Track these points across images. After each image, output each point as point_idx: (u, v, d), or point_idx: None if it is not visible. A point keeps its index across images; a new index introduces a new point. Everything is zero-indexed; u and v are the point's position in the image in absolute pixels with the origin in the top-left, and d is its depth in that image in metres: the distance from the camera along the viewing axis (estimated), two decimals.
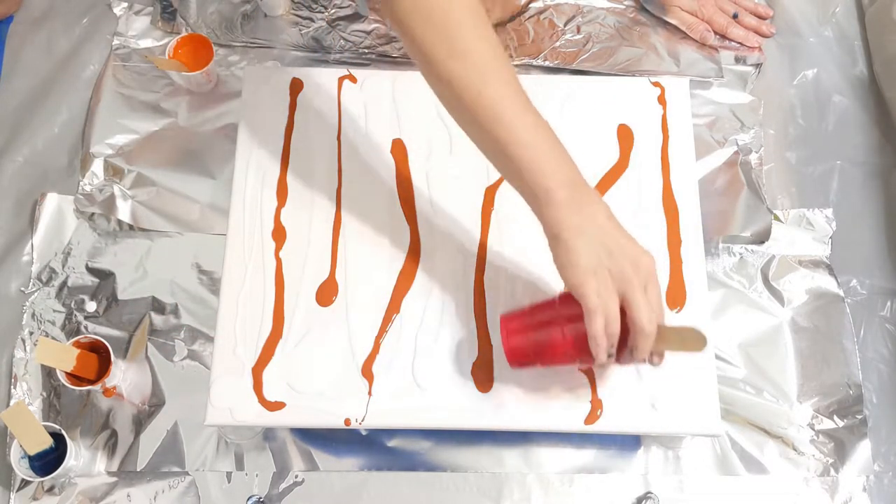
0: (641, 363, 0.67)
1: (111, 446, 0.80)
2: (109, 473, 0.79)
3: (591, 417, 0.73)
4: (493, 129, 0.64)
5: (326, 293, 0.77)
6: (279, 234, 0.79)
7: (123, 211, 0.88)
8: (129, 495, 0.79)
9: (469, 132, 0.67)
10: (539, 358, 0.69)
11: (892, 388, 0.85)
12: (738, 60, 0.98)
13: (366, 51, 0.96)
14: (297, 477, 0.79)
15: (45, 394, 0.82)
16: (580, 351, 0.66)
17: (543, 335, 0.68)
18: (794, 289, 0.88)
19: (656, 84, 0.87)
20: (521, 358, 0.70)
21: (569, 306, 0.66)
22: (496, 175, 0.82)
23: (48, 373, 0.82)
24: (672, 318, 0.77)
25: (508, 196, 0.81)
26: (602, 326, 0.63)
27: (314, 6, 0.98)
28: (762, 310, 0.87)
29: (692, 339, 0.66)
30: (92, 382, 0.78)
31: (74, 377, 0.77)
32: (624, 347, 0.65)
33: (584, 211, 0.64)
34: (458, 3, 0.64)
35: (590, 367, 0.73)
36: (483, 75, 0.64)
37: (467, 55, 0.63)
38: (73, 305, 0.84)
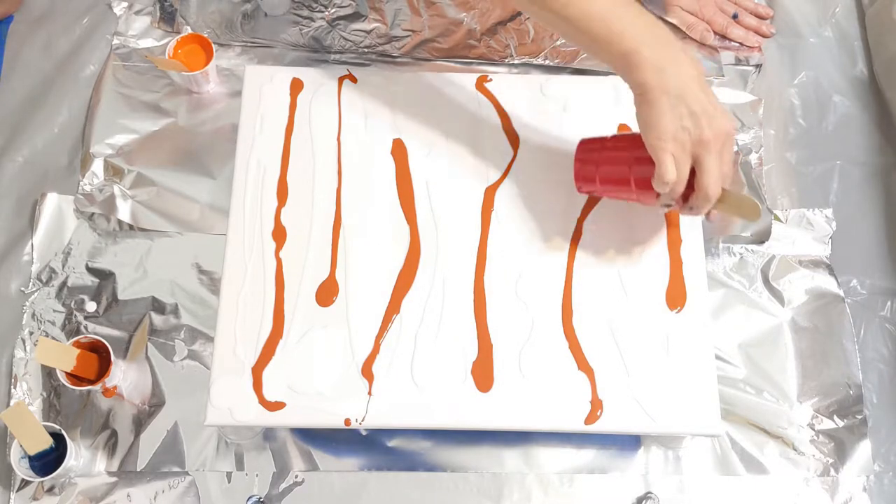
0: (696, 216, 0.72)
1: (111, 446, 0.80)
2: (109, 473, 0.79)
3: (591, 417, 0.73)
4: (566, 12, 0.67)
5: (326, 293, 0.77)
6: (279, 234, 0.79)
7: (123, 211, 0.88)
8: (129, 495, 0.79)
9: (543, 19, 0.69)
10: (603, 188, 0.73)
11: (892, 388, 0.85)
12: (738, 60, 0.98)
13: (366, 50, 0.96)
14: (297, 477, 0.79)
15: (45, 394, 0.82)
16: (641, 194, 0.71)
17: (611, 169, 0.72)
18: (794, 289, 0.88)
19: None
20: (584, 182, 0.74)
21: (643, 148, 0.68)
22: (496, 175, 0.82)
23: (48, 373, 0.82)
24: (673, 319, 0.77)
25: (508, 196, 0.81)
26: (668, 187, 0.67)
27: (314, 6, 0.98)
28: (762, 310, 0.87)
29: (749, 208, 0.68)
30: (92, 382, 0.78)
31: (74, 377, 0.77)
32: (685, 200, 0.69)
33: (668, 70, 0.64)
34: None
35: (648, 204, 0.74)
36: None
37: None
38: (73, 305, 0.84)
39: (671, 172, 0.66)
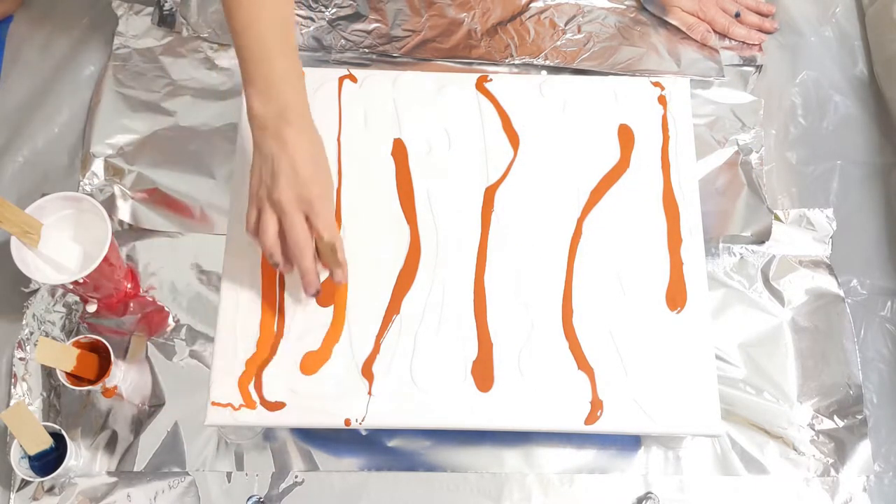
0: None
1: (111, 446, 0.80)
2: (109, 473, 0.79)
3: (591, 417, 0.73)
4: (238, 37, 0.68)
5: (326, 293, 0.77)
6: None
7: (123, 211, 0.88)
8: (129, 495, 0.79)
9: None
10: None
11: (892, 388, 0.85)
12: (739, 60, 0.98)
13: (366, 50, 0.96)
14: (297, 477, 0.79)
15: (45, 394, 0.82)
16: None
17: None
18: (794, 289, 0.88)
19: (657, 84, 0.87)
20: None
21: None
22: (496, 175, 0.82)
23: (48, 373, 0.82)
24: (673, 319, 0.77)
25: (508, 196, 0.81)
26: (252, 238, 0.71)
27: (314, 6, 0.98)
28: (762, 310, 0.87)
29: (328, 253, 0.72)
30: (92, 382, 0.78)
31: (74, 377, 0.77)
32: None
33: (268, 130, 0.68)
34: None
35: None
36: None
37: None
38: (73, 305, 0.84)
39: (249, 223, 0.70)
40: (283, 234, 0.69)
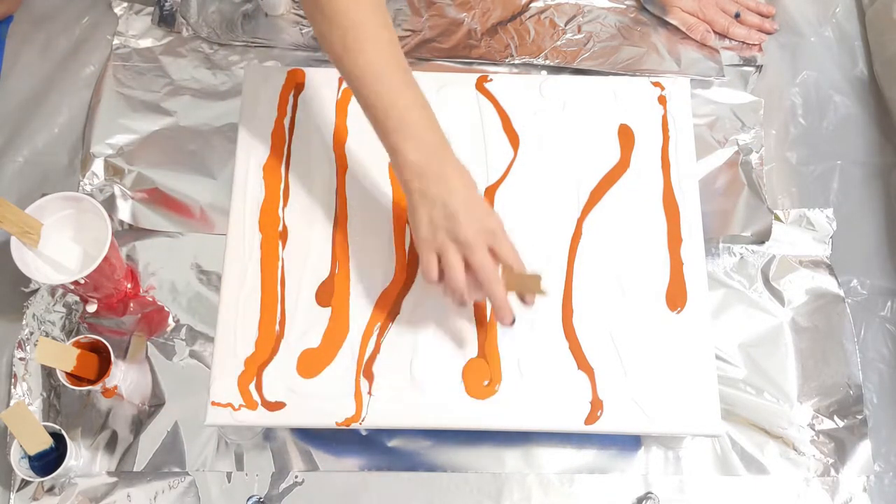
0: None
1: (111, 446, 0.80)
2: (109, 473, 0.79)
3: (591, 417, 0.73)
4: (363, 91, 0.68)
5: (326, 293, 0.77)
6: (279, 234, 0.79)
7: (123, 211, 0.88)
8: (129, 495, 0.79)
9: (350, 87, 0.70)
10: None
11: (892, 388, 0.85)
12: (739, 60, 0.98)
13: None
14: (297, 477, 0.79)
15: (45, 394, 0.82)
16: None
17: None
18: (794, 289, 0.88)
19: (657, 84, 0.87)
20: None
21: None
22: (496, 175, 0.82)
23: (48, 373, 0.82)
24: (673, 319, 0.77)
25: (508, 196, 0.81)
26: (441, 289, 0.69)
27: None
28: (762, 310, 0.87)
29: (531, 284, 0.70)
30: (92, 382, 0.78)
31: (74, 377, 0.77)
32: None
33: (428, 175, 0.67)
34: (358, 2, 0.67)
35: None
36: (353, 37, 0.67)
37: (340, 19, 0.67)
38: (73, 305, 0.84)
39: (432, 271, 0.68)
40: (467, 271, 0.68)
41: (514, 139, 0.84)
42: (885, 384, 0.85)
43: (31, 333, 0.83)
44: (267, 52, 0.96)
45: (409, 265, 0.78)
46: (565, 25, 0.98)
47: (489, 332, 0.76)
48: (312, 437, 0.80)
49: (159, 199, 0.89)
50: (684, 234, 0.80)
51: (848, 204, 0.92)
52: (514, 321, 0.70)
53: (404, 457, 0.80)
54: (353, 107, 0.85)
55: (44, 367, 0.82)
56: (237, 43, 0.96)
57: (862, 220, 0.92)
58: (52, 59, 0.96)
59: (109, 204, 0.88)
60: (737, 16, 0.99)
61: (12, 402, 0.80)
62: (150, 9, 0.98)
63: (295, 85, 0.86)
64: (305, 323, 0.76)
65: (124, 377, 0.81)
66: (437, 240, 0.67)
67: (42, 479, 0.75)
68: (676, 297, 0.78)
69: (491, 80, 0.87)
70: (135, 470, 0.79)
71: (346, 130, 0.84)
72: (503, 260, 0.68)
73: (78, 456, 0.78)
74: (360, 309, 0.77)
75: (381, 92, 0.67)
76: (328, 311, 0.76)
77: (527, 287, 0.70)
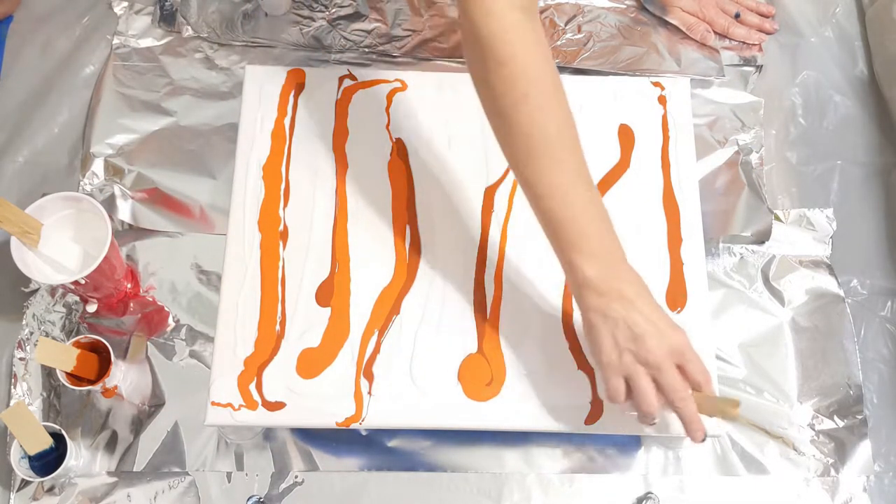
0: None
1: (111, 446, 0.80)
2: (109, 473, 0.79)
3: (591, 417, 0.74)
4: (541, 203, 0.65)
5: (326, 293, 0.77)
6: (280, 234, 0.79)
7: (123, 211, 0.88)
8: (129, 495, 0.79)
9: (526, 198, 0.67)
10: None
11: (892, 388, 0.85)
12: (739, 60, 0.98)
13: (366, 50, 0.96)
14: (297, 477, 0.79)
15: (45, 394, 0.82)
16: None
17: None
18: (794, 289, 0.88)
19: (657, 84, 0.87)
20: None
21: None
22: (496, 175, 0.82)
23: (48, 373, 0.82)
24: (673, 319, 0.77)
25: (508, 196, 0.81)
26: (624, 408, 0.67)
27: (315, 5, 0.98)
28: (762, 310, 0.87)
29: (728, 409, 0.66)
30: (92, 382, 0.78)
31: (74, 377, 0.77)
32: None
33: (609, 294, 0.64)
34: (522, 73, 0.63)
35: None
36: (531, 148, 0.64)
37: (520, 130, 0.64)
38: (73, 305, 0.84)
39: (620, 395, 0.66)
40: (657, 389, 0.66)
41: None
42: (885, 384, 0.85)
43: (31, 333, 0.83)
44: (267, 52, 0.96)
45: (409, 265, 0.78)
46: (565, 25, 0.98)
47: (490, 332, 0.76)
48: (312, 437, 0.80)
49: (159, 199, 0.89)
50: (684, 234, 0.80)
51: (848, 204, 0.92)
52: (705, 437, 0.67)
53: (404, 457, 0.80)
54: (353, 107, 0.85)
55: (44, 367, 0.82)
56: (237, 43, 0.96)
57: (862, 220, 0.92)
58: (52, 59, 0.96)
59: (109, 204, 0.88)
60: (737, 16, 0.99)
61: (12, 402, 0.80)
62: (150, 8, 0.98)
63: (295, 85, 0.86)
64: (305, 323, 0.76)
65: (124, 377, 0.81)
66: (624, 363, 0.64)
67: (42, 479, 0.75)
68: (676, 297, 0.78)
69: None
70: (135, 470, 0.79)
71: (346, 130, 0.84)
72: (691, 379, 0.66)
73: (78, 456, 0.78)
74: (360, 309, 0.77)
75: (557, 206, 0.65)
76: (328, 311, 0.76)
77: (722, 413, 0.67)
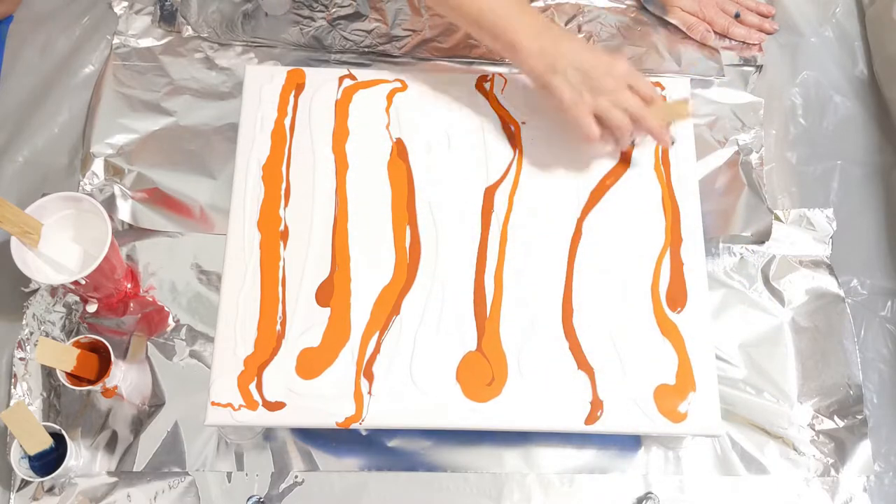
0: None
1: (111, 446, 0.80)
2: (109, 473, 0.79)
3: (591, 417, 0.73)
4: (462, 9, 0.77)
5: (326, 293, 0.77)
6: (280, 234, 0.79)
7: (123, 211, 0.88)
8: (129, 495, 0.79)
9: (445, 14, 0.81)
10: None
11: (892, 388, 0.85)
12: (739, 60, 0.98)
13: (366, 50, 0.96)
14: (297, 477, 0.79)
15: (45, 394, 0.82)
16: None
17: None
18: (794, 289, 0.88)
19: (657, 84, 0.87)
20: None
21: None
22: (496, 175, 0.82)
23: (48, 373, 0.82)
24: (672, 319, 0.77)
25: (508, 196, 0.81)
26: (600, 142, 0.78)
27: (315, 5, 0.98)
28: (762, 310, 0.87)
29: (679, 110, 0.81)
30: (92, 382, 0.78)
31: (74, 377, 0.77)
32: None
33: (548, 49, 0.75)
34: None
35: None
36: None
37: None
38: (73, 305, 0.84)
39: (594, 130, 0.76)
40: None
41: (513, 139, 0.84)
42: (885, 384, 0.85)
43: (31, 333, 0.83)
44: (267, 52, 0.96)
45: (409, 265, 0.78)
46: (565, 25, 0.98)
47: (490, 332, 0.76)
48: (312, 437, 0.80)
49: (159, 199, 0.89)
50: (684, 234, 0.80)
51: (848, 204, 0.92)
52: (674, 141, 0.80)
53: (404, 457, 0.80)
54: (354, 107, 0.85)
55: (44, 367, 0.82)
56: (237, 43, 0.96)
57: (862, 220, 0.92)
58: (52, 59, 0.96)
59: (109, 204, 0.88)
60: (737, 16, 0.99)
61: (12, 402, 0.80)
62: (151, 8, 0.98)
63: (295, 85, 0.86)
64: (305, 323, 0.76)
65: (124, 377, 0.81)
66: (586, 99, 0.75)
67: (42, 479, 0.75)
68: (676, 297, 0.78)
69: (491, 79, 0.87)
70: (135, 470, 0.79)
71: (346, 130, 0.84)
72: (642, 94, 0.76)
73: (78, 456, 0.78)
74: (360, 309, 0.77)
75: (481, 3, 0.75)
76: (328, 311, 0.76)
77: (676, 114, 0.80)
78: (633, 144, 0.82)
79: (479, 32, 0.78)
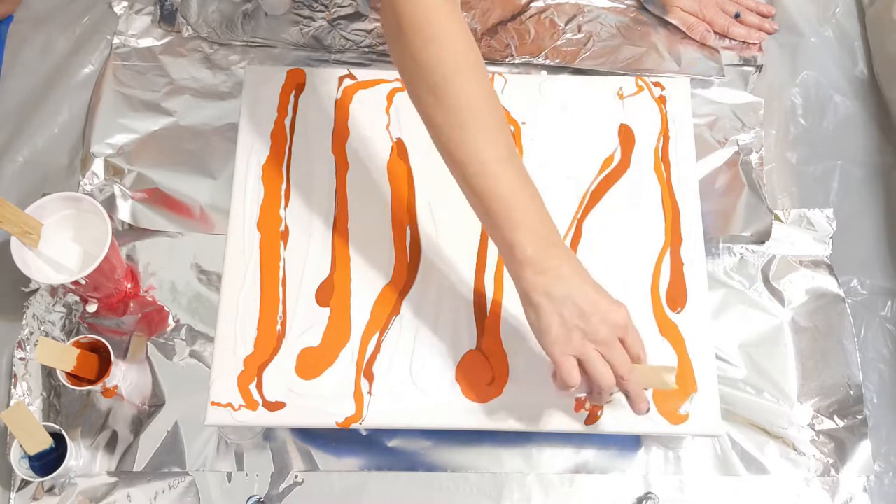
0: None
1: (111, 446, 0.80)
2: (109, 473, 0.79)
3: (591, 417, 0.73)
4: (475, 181, 0.64)
5: (326, 293, 0.77)
6: (280, 234, 0.79)
7: (123, 211, 0.88)
8: (129, 495, 0.79)
9: (455, 177, 0.66)
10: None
11: (892, 388, 0.85)
12: (739, 60, 0.98)
13: (366, 50, 0.96)
14: (297, 477, 0.79)
15: (45, 394, 0.82)
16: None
17: None
18: (794, 289, 0.88)
19: (657, 84, 0.87)
20: None
21: None
22: None
23: (48, 373, 0.82)
24: (673, 319, 0.77)
25: None
26: (574, 391, 0.65)
27: (315, 5, 0.98)
28: (762, 310, 0.87)
29: (664, 375, 0.67)
30: (92, 382, 0.78)
31: (74, 377, 0.77)
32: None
33: (549, 271, 0.63)
34: (449, 48, 0.63)
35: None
36: (464, 122, 0.63)
37: (452, 102, 0.63)
38: (73, 305, 0.84)
39: (574, 377, 0.63)
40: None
41: (513, 139, 0.84)
42: (885, 384, 0.85)
43: (31, 333, 0.83)
44: (267, 51, 0.96)
45: (409, 265, 0.78)
46: (565, 25, 0.98)
47: (490, 332, 0.76)
48: (312, 437, 0.80)
49: (159, 199, 0.89)
50: (684, 234, 0.80)
51: (848, 204, 0.92)
52: (649, 409, 0.67)
53: (404, 457, 0.80)
54: (354, 107, 0.85)
55: (44, 367, 0.82)
56: (237, 43, 0.96)
57: (862, 220, 0.92)
58: (52, 59, 0.96)
59: (109, 204, 0.88)
60: (737, 16, 0.99)
61: (12, 402, 0.80)
62: (151, 8, 0.98)
63: (295, 85, 0.86)
64: (305, 323, 0.76)
65: (124, 377, 0.81)
66: (574, 342, 0.63)
67: (42, 479, 0.75)
68: (676, 297, 0.78)
69: (490, 79, 0.87)
70: (135, 470, 0.79)
71: (346, 130, 0.84)
72: (631, 352, 0.65)
73: (78, 456, 0.78)
74: (360, 309, 0.77)
75: (492, 184, 0.63)
76: (328, 311, 0.76)
77: (659, 381, 0.67)
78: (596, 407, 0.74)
79: (473, 200, 0.65)
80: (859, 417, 0.83)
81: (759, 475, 0.81)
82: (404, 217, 0.80)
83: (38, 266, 0.77)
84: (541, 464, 0.80)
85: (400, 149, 0.83)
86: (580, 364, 0.64)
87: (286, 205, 0.80)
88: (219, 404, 0.73)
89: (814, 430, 0.83)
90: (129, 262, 0.86)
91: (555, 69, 0.96)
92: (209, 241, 0.87)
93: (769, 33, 0.99)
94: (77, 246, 0.79)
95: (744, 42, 0.99)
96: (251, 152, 0.82)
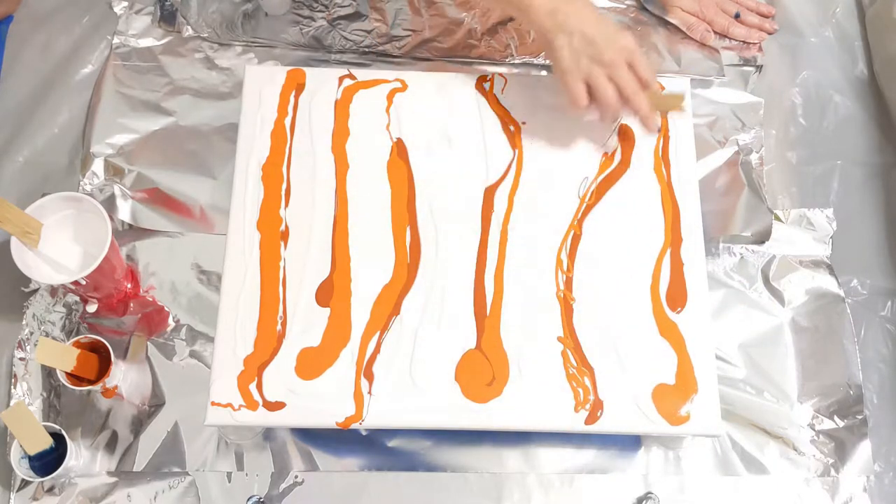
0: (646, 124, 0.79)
1: (111, 446, 0.80)
2: (109, 473, 0.79)
3: (591, 417, 0.73)
4: None
5: (326, 293, 0.77)
6: (280, 234, 0.79)
7: (123, 211, 0.88)
8: (129, 495, 0.79)
9: None
10: None
11: (892, 388, 0.85)
12: (740, 60, 0.98)
13: (366, 50, 0.96)
14: (297, 477, 0.79)
15: (45, 394, 0.82)
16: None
17: None
18: (794, 289, 0.88)
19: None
20: None
21: None
22: (496, 175, 0.82)
23: (48, 373, 0.82)
24: (673, 319, 0.77)
25: (508, 196, 0.81)
26: (586, 111, 0.77)
27: (315, 5, 0.98)
28: (762, 310, 0.87)
29: (673, 100, 0.81)
30: (92, 382, 0.78)
31: (74, 377, 0.77)
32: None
33: (559, 10, 0.75)
34: None
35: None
36: None
37: None
38: (73, 305, 0.84)
39: (582, 98, 0.76)
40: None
41: (513, 139, 0.84)
42: (885, 384, 0.85)
43: (31, 333, 0.83)
44: (267, 52, 0.96)
45: (409, 265, 0.78)
46: None
47: (490, 332, 0.76)
48: (312, 437, 0.80)
49: (159, 199, 0.89)
50: (684, 234, 0.80)
51: (848, 204, 0.92)
52: (659, 129, 0.79)
53: (404, 457, 0.80)
54: (354, 106, 0.85)
55: (44, 367, 0.82)
56: (237, 43, 0.96)
57: (862, 220, 0.92)
58: (52, 59, 0.96)
59: (109, 204, 0.88)
60: (737, 16, 0.99)
61: (12, 402, 0.80)
62: (151, 8, 0.98)
63: (295, 85, 0.86)
64: (305, 323, 0.76)
65: (124, 377, 0.81)
66: (582, 66, 0.74)
67: (42, 479, 0.75)
68: (676, 297, 0.78)
69: (491, 79, 0.87)
70: (135, 470, 0.79)
71: (346, 130, 0.84)
72: (640, 76, 0.76)
73: (78, 456, 0.78)
74: (361, 309, 0.77)
75: None
76: (328, 311, 0.76)
77: (669, 105, 0.79)
78: (616, 130, 0.83)
79: None
80: (859, 417, 0.83)
81: (759, 475, 0.81)
82: (404, 217, 0.80)
83: (38, 266, 0.77)
84: (541, 464, 0.80)
85: (400, 149, 0.83)
86: (589, 88, 0.75)
87: (286, 205, 0.80)
88: (219, 404, 0.73)
89: (814, 430, 0.83)
90: (129, 262, 0.86)
91: None
92: (209, 241, 0.87)
93: (769, 33, 0.99)
94: (77, 246, 0.79)
95: (744, 42, 0.99)
96: (251, 152, 0.82)
